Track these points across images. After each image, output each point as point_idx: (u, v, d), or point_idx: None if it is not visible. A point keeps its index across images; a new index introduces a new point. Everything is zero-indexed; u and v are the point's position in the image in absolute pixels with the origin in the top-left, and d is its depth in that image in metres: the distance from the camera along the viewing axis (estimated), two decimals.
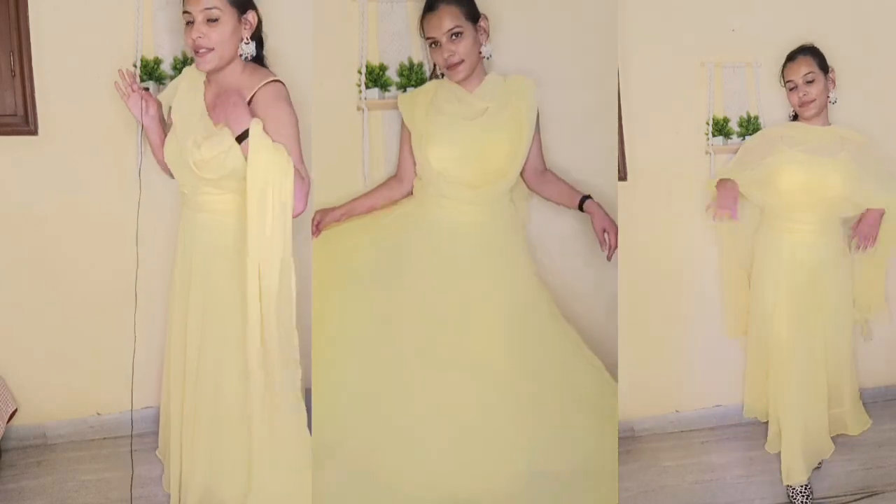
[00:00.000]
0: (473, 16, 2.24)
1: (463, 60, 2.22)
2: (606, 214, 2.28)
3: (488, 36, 2.26)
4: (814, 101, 2.36)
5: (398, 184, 2.40)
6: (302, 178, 1.99)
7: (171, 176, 2.21)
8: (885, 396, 2.66)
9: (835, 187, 2.31)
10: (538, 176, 2.39)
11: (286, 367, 2.04)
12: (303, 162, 2.03)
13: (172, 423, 2.19)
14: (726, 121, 2.53)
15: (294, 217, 1.99)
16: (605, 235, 2.25)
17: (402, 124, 2.38)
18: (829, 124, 2.42)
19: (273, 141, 1.95)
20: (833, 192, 2.32)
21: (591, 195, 2.32)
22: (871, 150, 2.42)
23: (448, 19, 2.18)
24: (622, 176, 2.54)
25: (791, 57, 2.40)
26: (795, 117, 2.45)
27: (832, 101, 2.38)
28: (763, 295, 2.41)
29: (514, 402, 2.22)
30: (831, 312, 2.37)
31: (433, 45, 2.25)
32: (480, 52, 2.26)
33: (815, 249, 2.36)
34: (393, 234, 2.37)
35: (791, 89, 2.39)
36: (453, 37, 2.19)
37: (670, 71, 2.53)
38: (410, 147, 2.35)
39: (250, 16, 2.03)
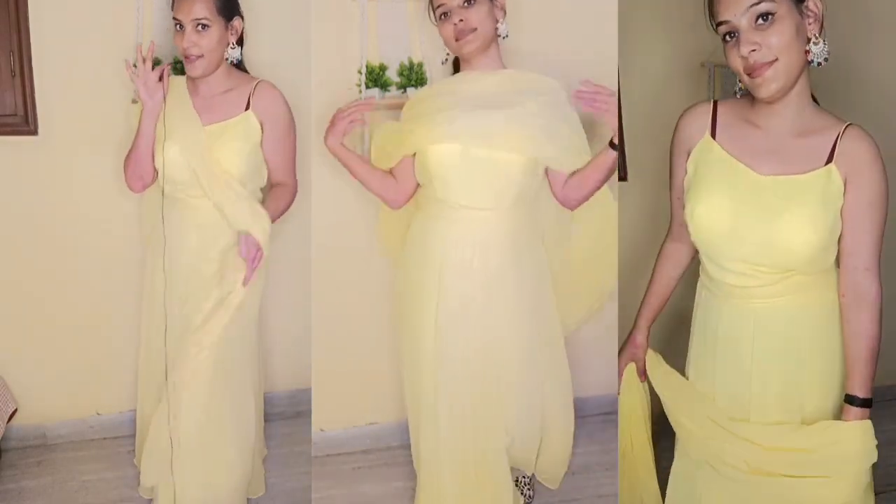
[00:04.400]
0: None
1: (475, 29, 1.96)
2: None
3: (505, 14, 2.02)
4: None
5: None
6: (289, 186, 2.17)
7: (129, 183, 2.17)
8: (885, 396, 2.66)
9: None
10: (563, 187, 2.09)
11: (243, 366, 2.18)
12: (295, 164, 2.17)
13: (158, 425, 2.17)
14: None
15: (273, 221, 2.09)
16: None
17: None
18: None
19: (274, 144, 2.12)
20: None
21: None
22: None
23: None
24: (622, 176, 2.54)
25: None
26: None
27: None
28: None
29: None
30: None
31: (442, 18, 1.99)
32: (497, 31, 2.02)
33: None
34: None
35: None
36: (466, 3, 1.95)
37: (670, 71, 2.53)
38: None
39: (236, 22, 2.10)
